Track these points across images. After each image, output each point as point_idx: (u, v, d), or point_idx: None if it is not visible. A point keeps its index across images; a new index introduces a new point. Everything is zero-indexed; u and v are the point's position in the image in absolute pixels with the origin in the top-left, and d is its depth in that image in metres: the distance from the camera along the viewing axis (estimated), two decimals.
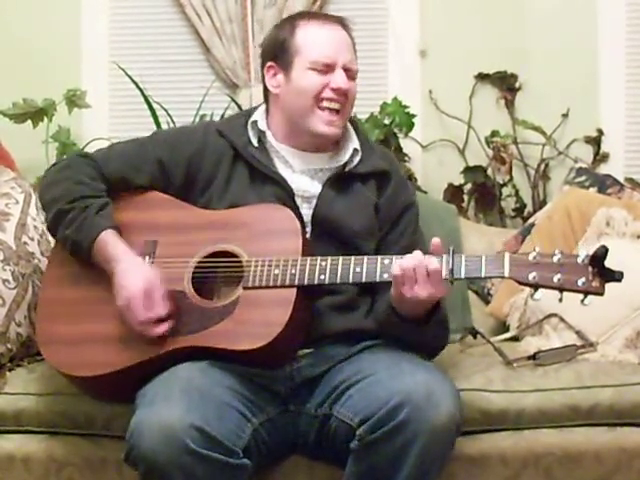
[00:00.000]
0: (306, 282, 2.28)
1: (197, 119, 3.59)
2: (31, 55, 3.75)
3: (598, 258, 2.12)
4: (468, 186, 3.70)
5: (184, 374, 2.23)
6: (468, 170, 3.70)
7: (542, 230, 3.17)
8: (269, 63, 2.48)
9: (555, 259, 2.15)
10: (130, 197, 2.48)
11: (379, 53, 3.68)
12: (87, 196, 2.42)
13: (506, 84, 3.70)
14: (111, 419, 2.45)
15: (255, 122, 2.49)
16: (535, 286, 2.16)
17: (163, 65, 3.79)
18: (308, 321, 2.34)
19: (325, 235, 2.42)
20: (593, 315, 2.61)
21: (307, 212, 2.43)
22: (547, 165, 3.70)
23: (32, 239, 2.78)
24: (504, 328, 3.03)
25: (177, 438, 2.08)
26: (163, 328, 2.29)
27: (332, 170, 2.47)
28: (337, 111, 2.43)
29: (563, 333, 2.78)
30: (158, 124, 3.53)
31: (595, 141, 3.69)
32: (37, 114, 3.54)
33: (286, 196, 2.42)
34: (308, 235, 2.40)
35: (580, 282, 2.13)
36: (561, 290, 2.15)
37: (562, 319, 2.79)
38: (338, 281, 2.28)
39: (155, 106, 3.61)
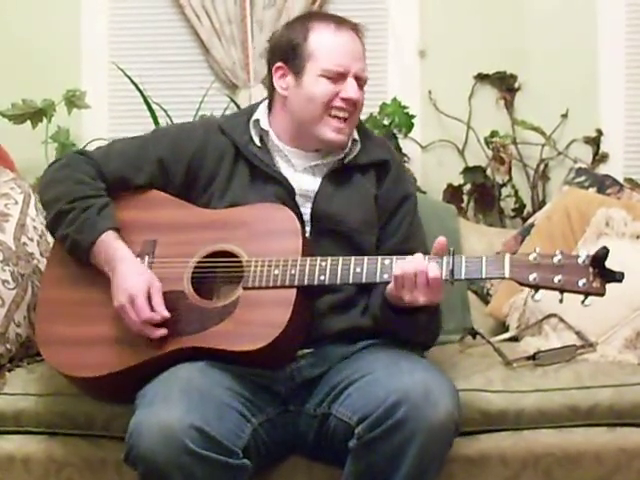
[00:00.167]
0: (306, 283, 2.27)
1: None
2: (30, 55, 3.75)
3: (599, 259, 2.12)
4: (467, 186, 3.70)
5: (184, 374, 2.23)
6: (467, 170, 3.70)
7: (542, 230, 3.17)
8: (278, 64, 2.45)
9: (555, 260, 2.15)
10: (130, 196, 2.47)
11: (379, 54, 3.68)
12: (88, 196, 2.41)
13: (505, 84, 3.70)
14: (111, 420, 2.45)
15: (257, 121, 2.48)
16: (535, 287, 2.16)
17: (162, 66, 3.79)
18: (308, 321, 2.34)
19: (325, 232, 2.42)
20: (593, 315, 2.61)
21: (308, 210, 2.43)
22: (546, 165, 3.70)
23: (31, 240, 2.78)
24: (503, 328, 3.03)
25: (176, 438, 2.08)
26: (162, 331, 2.29)
27: (332, 164, 2.47)
28: (345, 119, 2.42)
29: (563, 333, 2.78)
30: (157, 125, 3.53)
31: (594, 141, 3.69)
32: (36, 115, 3.53)
33: (287, 195, 2.42)
34: (308, 232, 2.40)
35: (581, 283, 2.13)
36: (562, 291, 2.15)
37: (562, 319, 2.79)
38: (338, 282, 2.28)
39: (154, 107, 3.61)
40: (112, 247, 2.36)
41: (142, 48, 3.80)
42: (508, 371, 2.56)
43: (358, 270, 2.27)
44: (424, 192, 3.58)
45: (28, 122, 3.54)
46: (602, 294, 2.13)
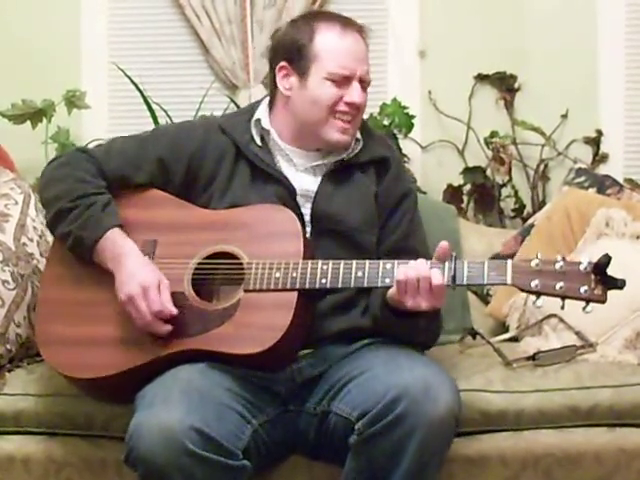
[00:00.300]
0: (307, 286, 2.27)
1: None
2: (30, 56, 3.75)
3: (601, 266, 2.12)
4: (467, 187, 3.70)
5: (184, 375, 2.23)
6: (467, 171, 3.70)
7: (541, 231, 3.17)
8: (282, 63, 2.44)
9: (557, 266, 2.15)
10: (130, 195, 2.46)
11: (379, 54, 3.67)
12: (90, 194, 2.40)
13: (505, 85, 3.70)
14: (110, 420, 2.45)
15: (258, 120, 2.47)
16: (537, 294, 2.16)
17: (162, 66, 3.79)
18: (309, 323, 2.33)
19: (325, 231, 2.41)
20: (592, 316, 2.59)
21: (309, 213, 2.42)
22: (546, 166, 3.70)
23: (31, 240, 2.78)
24: (503, 329, 3.02)
25: (176, 440, 2.08)
26: (168, 327, 2.28)
27: (333, 163, 2.46)
28: (350, 120, 2.42)
29: (562, 334, 2.78)
30: (157, 125, 3.53)
31: (594, 142, 3.69)
32: (36, 115, 3.53)
33: (288, 195, 2.41)
34: (309, 232, 2.39)
35: (582, 290, 2.13)
36: (563, 298, 2.15)
37: (561, 320, 2.79)
38: (340, 286, 2.27)
39: (154, 107, 3.61)
40: (119, 243, 2.35)
41: (142, 48, 3.80)
42: (508, 371, 2.56)
43: (360, 274, 2.26)
44: (424, 192, 3.57)
45: (28, 122, 3.54)
46: (603, 301, 2.14)
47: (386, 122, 3.63)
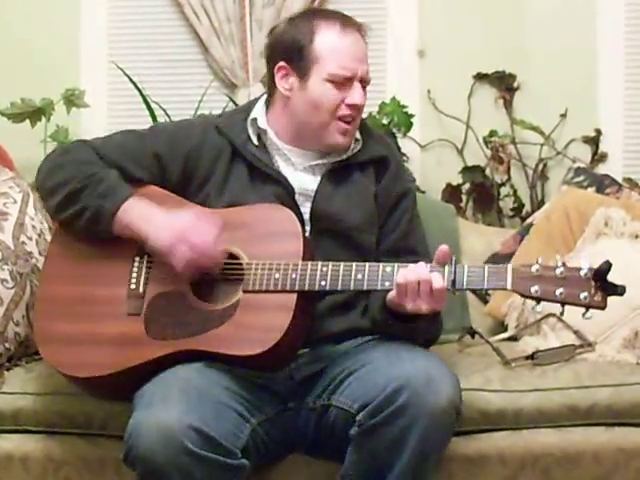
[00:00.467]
0: (307, 288, 2.26)
1: None
2: (30, 55, 3.75)
3: (601, 272, 2.12)
4: (466, 186, 3.70)
5: (182, 374, 2.23)
6: (466, 170, 3.70)
7: (540, 230, 3.17)
8: (281, 63, 2.42)
9: (558, 272, 2.16)
10: None
11: (378, 53, 3.67)
12: (97, 172, 2.37)
13: (504, 84, 3.70)
14: (109, 419, 2.45)
15: (255, 120, 2.45)
16: (537, 299, 2.17)
17: (161, 65, 3.79)
18: (309, 324, 2.33)
19: (325, 231, 2.41)
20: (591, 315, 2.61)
21: (308, 210, 2.42)
22: (545, 165, 3.70)
23: (30, 238, 2.78)
24: (502, 328, 3.02)
25: (175, 439, 2.08)
26: (213, 259, 2.28)
27: (332, 163, 2.45)
28: (350, 122, 2.41)
29: (561, 333, 2.78)
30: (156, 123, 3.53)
31: (593, 141, 3.69)
32: (35, 114, 3.53)
33: (286, 195, 2.40)
34: (308, 232, 2.39)
35: (582, 296, 2.14)
36: (563, 304, 2.15)
37: (560, 319, 2.78)
38: (339, 288, 2.27)
39: (153, 106, 3.61)
40: (143, 204, 2.33)
41: (141, 47, 3.81)
42: (507, 371, 2.56)
43: (359, 277, 2.25)
44: (423, 192, 3.58)
45: (27, 121, 3.54)
46: (603, 308, 2.14)
47: (385, 121, 3.64)
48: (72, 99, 3.56)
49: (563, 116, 3.69)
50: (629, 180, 3.50)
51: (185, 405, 2.13)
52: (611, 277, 2.15)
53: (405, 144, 3.68)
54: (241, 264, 2.32)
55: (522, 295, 2.19)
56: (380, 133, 2.67)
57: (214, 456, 2.11)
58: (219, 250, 2.30)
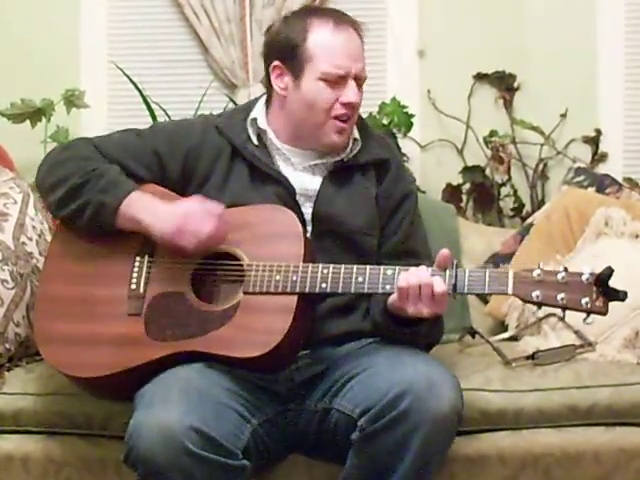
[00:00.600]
0: (307, 290, 2.26)
1: None
2: (30, 55, 3.75)
3: (603, 278, 2.12)
4: (466, 186, 3.70)
5: (183, 375, 2.22)
6: (466, 170, 3.70)
7: (541, 230, 3.17)
8: (275, 62, 2.41)
9: (559, 277, 2.15)
10: None
11: (378, 53, 3.68)
12: (98, 167, 2.37)
13: (505, 84, 3.70)
14: (109, 419, 2.45)
15: (255, 120, 2.44)
16: (538, 304, 2.17)
17: (161, 65, 3.79)
18: (309, 326, 2.33)
19: (326, 233, 2.40)
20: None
21: (309, 210, 2.41)
22: (545, 165, 3.70)
23: (30, 239, 2.78)
24: (503, 328, 3.02)
25: (176, 440, 2.08)
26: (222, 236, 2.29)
27: (332, 163, 2.44)
28: (346, 120, 2.39)
29: (562, 333, 2.78)
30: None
31: (594, 141, 3.69)
32: (35, 114, 3.53)
33: (287, 195, 2.40)
34: (309, 233, 2.38)
35: (584, 301, 2.13)
36: (564, 309, 2.15)
37: (561, 319, 2.78)
38: (340, 291, 2.26)
39: (153, 106, 3.61)
40: (145, 197, 2.33)
41: (141, 47, 3.81)
42: (507, 370, 2.56)
43: (360, 279, 2.25)
44: (423, 192, 3.57)
45: (27, 121, 3.54)
46: (604, 313, 2.14)
47: (385, 121, 3.64)
48: (72, 99, 3.56)
49: (563, 116, 3.69)
50: (629, 180, 3.50)
51: (185, 406, 2.13)
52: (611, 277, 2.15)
53: (405, 144, 3.68)
54: (242, 265, 2.31)
55: (523, 300, 2.19)
56: (381, 134, 2.66)
57: (215, 457, 2.11)
58: (224, 225, 2.29)
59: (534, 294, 2.15)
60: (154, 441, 2.08)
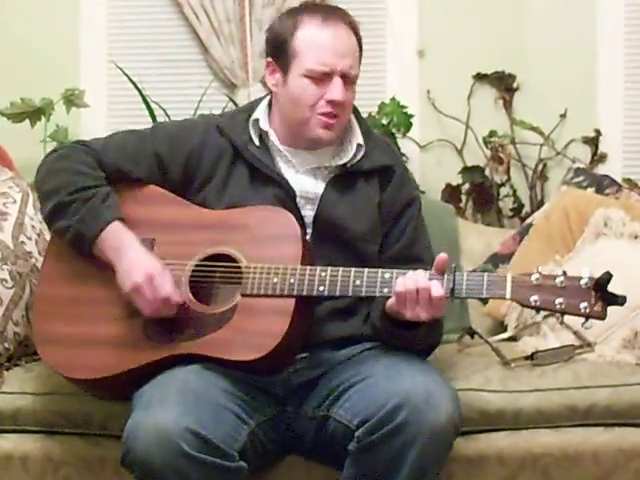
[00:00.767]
0: (305, 293, 2.25)
1: None
2: (29, 55, 3.75)
3: (602, 283, 2.12)
4: (466, 186, 3.70)
5: (180, 376, 2.22)
6: (466, 170, 3.70)
7: (540, 230, 3.17)
8: (268, 59, 2.41)
9: (558, 281, 2.14)
10: (129, 190, 2.42)
11: (377, 53, 3.68)
12: (89, 186, 2.36)
13: (504, 84, 3.71)
14: (108, 419, 2.45)
15: (256, 120, 2.43)
16: (537, 309, 2.16)
17: (161, 65, 3.79)
18: (307, 329, 2.32)
19: (327, 237, 2.38)
20: None
21: (310, 213, 2.40)
22: (545, 165, 3.70)
23: (30, 238, 2.78)
24: (502, 328, 3.02)
25: (172, 442, 2.07)
26: (174, 310, 2.27)
27: (335, 168, 2.43)
28: (334, 116, 2.36)
29: (561, 333, 2.78)
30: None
31: (593, 141, 3.69)
32: (35, 113, 3.53)
33: (287, 197, 2.38)
34: (309, 236, 2.37)
35: (582, 306, 2.13)
36: (562, 314, 2.15)
37: (560, 322, 2.79)
38: (337, 294, 2.25)
39: (153, 106, 3.61)
40: (119, 235, 2.32)
41: (141, 47, 3.81)
42: (506, 371, 2.55)
43: (358, 283, 2.24)
44: (422, 192, 3.57)
45: (27, 121, 3.54)
46: (603, 318, 2.14)
47: (385, 121, 3.63)
48: (72, 99, 3.56)
49: (563, 116, 3.69)
50: (628, 180, 3.50)
51: (182, 407, 2.12)
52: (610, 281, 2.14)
53: (405, 144, 3.68)
54: (239, 267, 2.31)
55: (521, 305, 2.19)
56: (386, 140, 2.63)
57: (211, 459, 2.10)
58: (176, 301, 2.27)
59: (532, 299, 2.15)
60: (151, 443, 2.08)
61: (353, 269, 2.25)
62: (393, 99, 3.65)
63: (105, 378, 2.31)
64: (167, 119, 3.53)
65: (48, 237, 2.65)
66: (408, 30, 3.75)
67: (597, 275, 2.14)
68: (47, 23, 3.77)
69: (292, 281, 2.25)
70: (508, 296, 2.17)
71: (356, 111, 2.50)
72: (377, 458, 2.17)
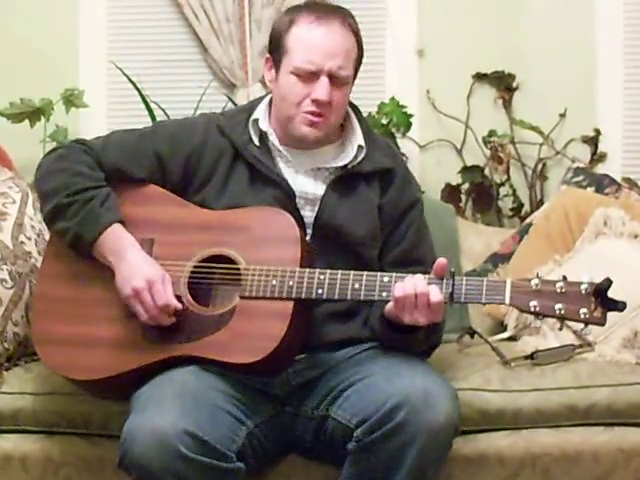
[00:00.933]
0: (303, 296, 2.25)
1: None
2: (29, 55, 3.75)
3: (602, 289, 2.11)
4: (465, 186, 3.70)
5: (178, 378, 2.22)
6: (465, 170, 3.70)
7: (540, 230, 3.17)
8: (267, 55, 2.41)
9: (557, 287, 2.14)
10: (128, 190, 2.41)
11: (377, 53, 3.68)
12: (88, 187, 2.35)
13: (504, 84, 3.70)
14: (108, 419, 2.44)
15: (256, 120, 2.42)
16: (536, 314, 2.16)
17: (161, 65, 3.79)
18: (305, 331, 2.31)
19: (327, 240, 2.37)
20: None
21: (309, 214, 2.39)
22: (544, 165, 3.70)
23: (29, 238, 2.78)
24: (501, 328, 3.02)
25: (170, 444, 2.07)
26: (172, 319, 2.26)
27: (336, 170, 2.41)
28: (319, 115, 2.34)
29: (560, 333, 2.77)
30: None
31: (592, 141, 3.69)
32: (34, 114, 3.53)
33: (287, 198, 2.37)
34: (309, 236, 2.36)
35: (582, 312, 2.12)
36: (562, 319, 2.15)
37: (559, 328, 2.78)
38: (336, 297, 2.25)
39: (152, 106, 3.61)
40: (119, 238, 2.32)
41: (140, 47, 3.81)
42: (506, 370, 2.55)
43: (357, 286, 2.23)
44: (422, 192, 3.57)
45: (26, 121, 3.54)
46: (602, 324, 2.13)
47: (384, 121, 3.63)
48: (71, 99, 3.56)
49: (562, 116, 3.69)
50: (628, 180, 3.50)
51: (180, 409, 2.12)
52: (610, 276, 2.14)
53: (404, 144, 3.68)
54: (238, 269, 2.30)
55: (520, 310, 2.18)
56: (387, 141, 2.60)
57: (209, 460, 2.10)
58: (174, 308, 2.27)
59: (531, 304, 2.14)
60: (148, 445, 2.07)
61: (352, 272, 2.25)
62: (392, 99, 3.65)
63: (104, 379, 2.30)
64: (166, 119, 3.54)
65: (47, 237, 2.65)
66: (408, 30, 3.75)
67: (597, 278, 2.13)
68: (46, 23, 3.77)
69: (291, 284, 2.25)
70: (507, 302, 2.16)
71: (357, 112, 2.49)
72: (376, 458, 2.17)
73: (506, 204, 3.71)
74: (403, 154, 3.62)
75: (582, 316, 2.12)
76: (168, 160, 2.42)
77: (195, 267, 2.33)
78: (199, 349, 2.25)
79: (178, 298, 2.30)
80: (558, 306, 2.13)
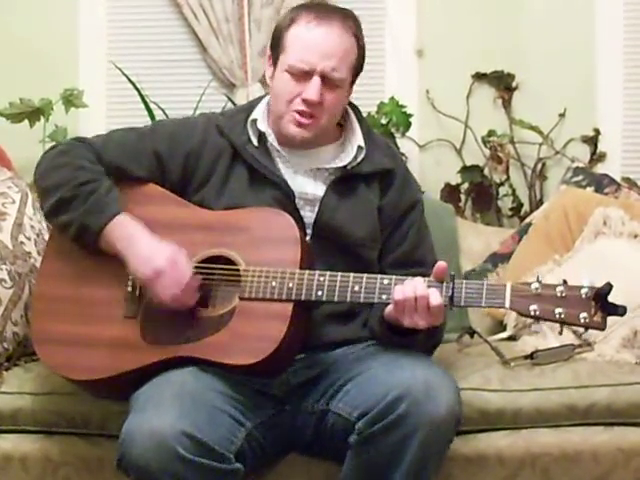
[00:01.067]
0: (303, 297, 2.24)
1: None
2: (28, 55, 3.75)
3: (602, 294, 2.11)
4: (465, 186, 3.70)
5: (177, 379, 2.21)
6: (465, 170, 3.70)
7: (539, 230, 3.17)
8: (268, 52, 2.41)
9: (558, 291, 2.13)
10: (128, 189, 2.40)
11: (376, 52, 3.67)
12: (90, 180, 2.34)
13: (503, 84, 3.71)
14: (107, 419, 2.44)
15: (254, 121, 2.42)
16: (536, 319, 2.16)
17: (160, 65, 3.79)
18: (305, 332, 2.31)
19: (326, 241, 2.37)
20: None
21: (309, 215, 2.39)
22: (544, 165, 3.70)
23: (29, 238, 2.77)
24: (501, 327, 3.03)
25: (168, 445, 2.06)
26: (196, 296, 2.26)
27: (335, 171, 2.41)
28: (309, 116, 2.34)
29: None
30: None
31: (592, 141, 3.69)
32: (34, 114, 3.53)
33: (286, 199, 2.37)
34: (309, 237, 2.36)
35: (582, 316, 2.12)
36: (562, 324, 2.15)
37: (559, 332, 2.78)
38: (336, 299, 2.24)
39: (152, 106, 3.61)
40: (127, 225, 2.30)
41: (140, 47, 3.81)
42: (506, 370, 2.55)
43: (356, 288, 2.23)
44: (422, 191, 3.57)
45: (26, 121, 3.54)
46: (602, 329, 2.13)
47: (383, 121, 3.64)
48: (71, 99, 3.56)
49: (562, 116, 3.69)
50: (628, 180, 3.50)
51: (178, 411, 2.11)
52: (609, 276, 2.14)
53: (404, 144, 3.68)
54: (238, 270, 2.30)
55: (521, 314, 2.18)
56: (387, 142, 2.59)
57: (207, 462, 2.10)
58: (193, 288, 2.27)
59: (531, 308, 2.14)
60: (146, 447, 2.07)
61: (352, 274, 2.24)
62: (392, 99, 3.65)
63: (103, 379, 2.30)
64: (166, 118, 3.54)
65: (47, 237, 2.65)
66: (407, 30, 3.75)
67: (598, 282, 2.13)
68: (46, 23, 3.77)
69: (290, 285, 2.24)
70: (507, 305, 2.16)
71: (357, 112, 2.49)
72: (378, 450, 2.17)
73: (505, 204, 3.71)
74: (403, 154, 3.62)
75: (582, 320, 2.12)
76: (167, 159, 2.41)
77: (195, 267, 2.32)
78: (199, 350, 2.25)
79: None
80: (558, 310, 2.13)
